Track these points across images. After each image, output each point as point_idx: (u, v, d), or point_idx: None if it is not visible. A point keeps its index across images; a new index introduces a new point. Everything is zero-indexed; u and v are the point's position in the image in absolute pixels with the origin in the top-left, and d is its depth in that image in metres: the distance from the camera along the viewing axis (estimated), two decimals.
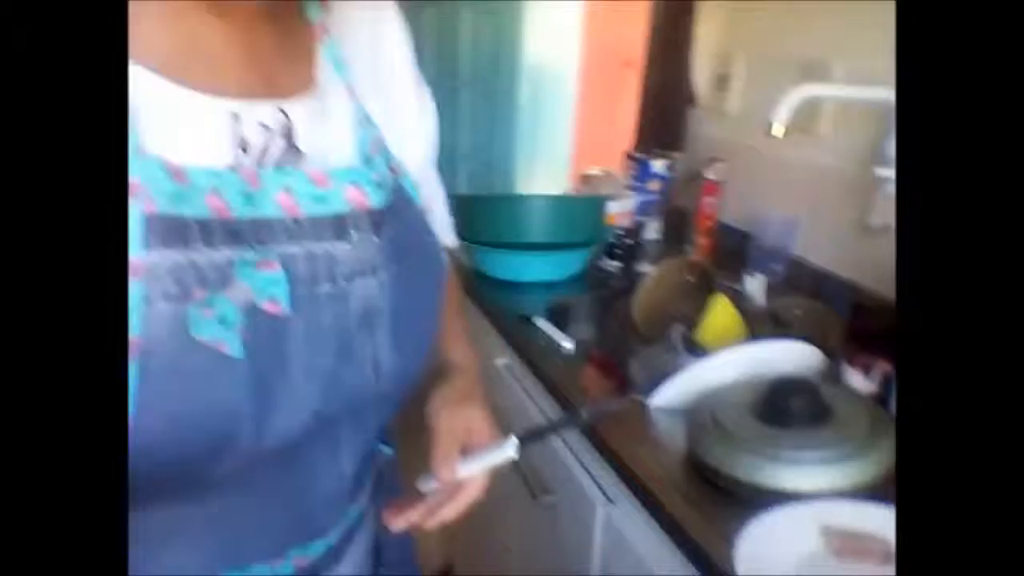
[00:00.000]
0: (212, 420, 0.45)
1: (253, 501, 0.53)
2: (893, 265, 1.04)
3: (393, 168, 0.57)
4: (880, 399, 0.88)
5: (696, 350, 0.98)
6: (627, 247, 1.41)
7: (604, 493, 0.92)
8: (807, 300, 1.13)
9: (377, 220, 0.53)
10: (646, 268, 1.34)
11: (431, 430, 0.64)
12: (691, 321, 1.07)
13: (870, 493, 0.72)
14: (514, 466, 1.06)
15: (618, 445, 0.87)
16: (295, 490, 0.56)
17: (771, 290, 1.24)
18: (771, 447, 0.73)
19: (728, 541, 0.67)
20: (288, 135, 0.50)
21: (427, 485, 0.63)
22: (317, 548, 0.60)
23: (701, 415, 0.82)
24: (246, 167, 0.48)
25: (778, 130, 1.03)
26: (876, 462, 0.73)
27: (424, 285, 0.58)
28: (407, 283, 0.55)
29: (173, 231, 0.44)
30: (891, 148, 1.10)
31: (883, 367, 0.90)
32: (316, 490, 0.57)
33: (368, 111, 0.56)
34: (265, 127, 0.49)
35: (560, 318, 1.16)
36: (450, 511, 0.62)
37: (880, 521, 0.69)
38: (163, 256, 0.44)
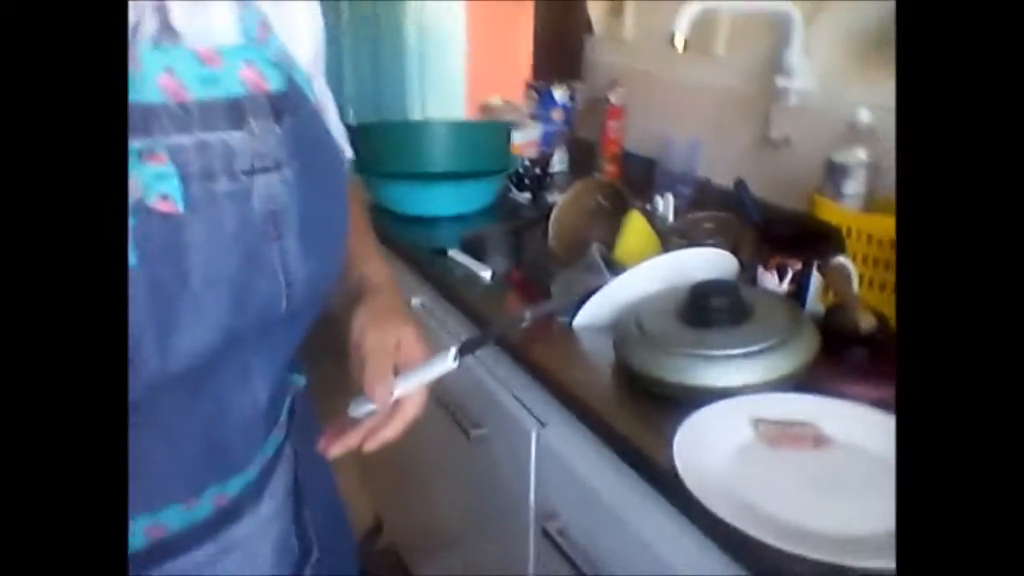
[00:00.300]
0: (177, 349, 0.42)
1: (162, 435, 0.49)
2: (795, 176, 1.05)
3: (285, 55, 0.50)
4: (794, 296, 0.91)
5: (615, 268, 0.98)
6: (535, 177, 1.39)
7: (535, 416, 0.91)
8: (717, 213, 1.15)
9: (277, 106, 0.47)
10: (556, 198, 1.32)
11: (358, 351, 0.60)
12: (607, 241, 1.07)
13: (793, 383, 0.74)
14: (442, 406, 1.04)
15: (547, 366, 0.86)
16: (207, 420, 0.51)
17: (681, 211, 1.25)
18: (696, 347, 0.74)
19: (665, 441, 0.67)
20: (162, 12, 0.44)
21: (361, 409, 0.59)
22: (236, 484, 0.56)
23: (626, 325, 0.82)
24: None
25: (679, 40, 1.02)
26: (796, 354, 0.75)
27: (329, 186, 0.53)
28: (311, 182, 0.50)
29: None
30: (788, 58, 1.12)
31: (795, 267, 0.92)
32: (229, 420, 0.53)
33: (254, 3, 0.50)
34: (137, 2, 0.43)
35: (475, 249, 1.13)
36: (390, 431, 0.59)
37: (806, 408, 0.71)
38: None
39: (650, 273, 0.91)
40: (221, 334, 0.47)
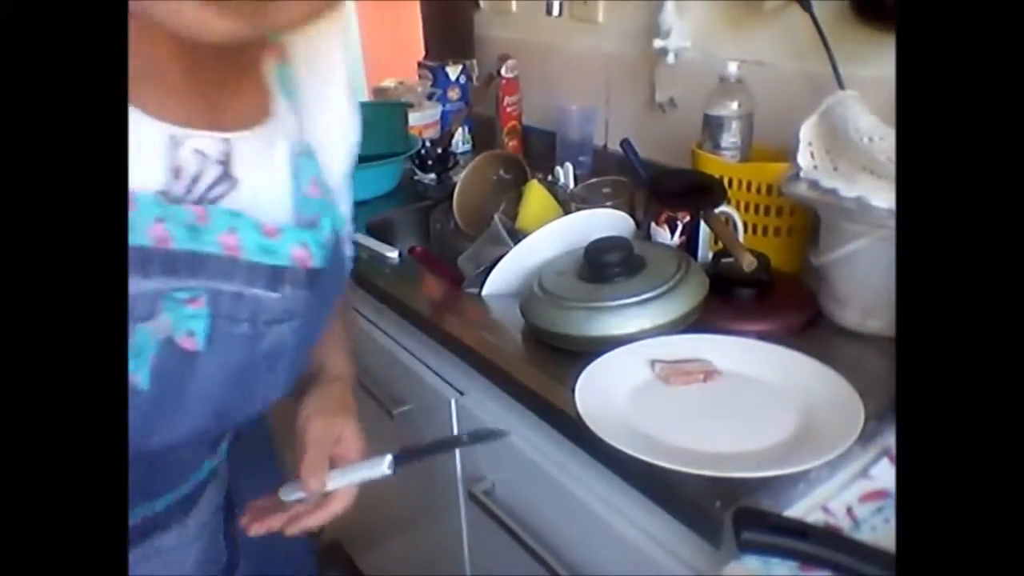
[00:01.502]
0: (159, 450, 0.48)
1: None
2: (683, 135, 1.10)
3: (335, 236, 0.56)
4: (686, 247, 0.96)
5: (518, 236, 1.02)
6: (438, 157, 1.40)
7: (453, 386, 0.94)
8: (615, 178, 1.20)
9: (312, 278, 0.53)
10: (460, 176, 1.34)
11: (300, 436, 0.61)
12: (510, 212, 1.10)
13: (686, 325, 0.79)
14: (363, 388, 1.06)
15: (460, 336, 0.89)
16: (146, 462, 0.54)
17: (581, 179, 1.29)
18: (594, 300, 0.79)
19: (570, 390, 0.71)
20: (225, 163, 0.49)
21: (291, 494, 0.61)
22: (164, 502, 0.59)
23: (530, 288, 0.86)
24: (185, 198, 0.47)
25: (555, 8, 1.06)
26: (686, 298, 0.80)
27: (324, 321, 0.59)
28: (315, 324, 0.56)
29: None
30: (663, 19, 1.17)
31: (683, 220, 0.98)
32: (169, 451, 0.55)
33: (310, 142, 0.56)
34: (201, 154, 0.48)
35: (381, 232, 1.14)
36: (314, 521, 0.60)
37: (698, 346, 0.77)
38: None
39: (550, 238, 0.94)
40: (193, 436, 0.52)
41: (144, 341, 0.45)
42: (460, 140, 1.58)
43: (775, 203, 0.94)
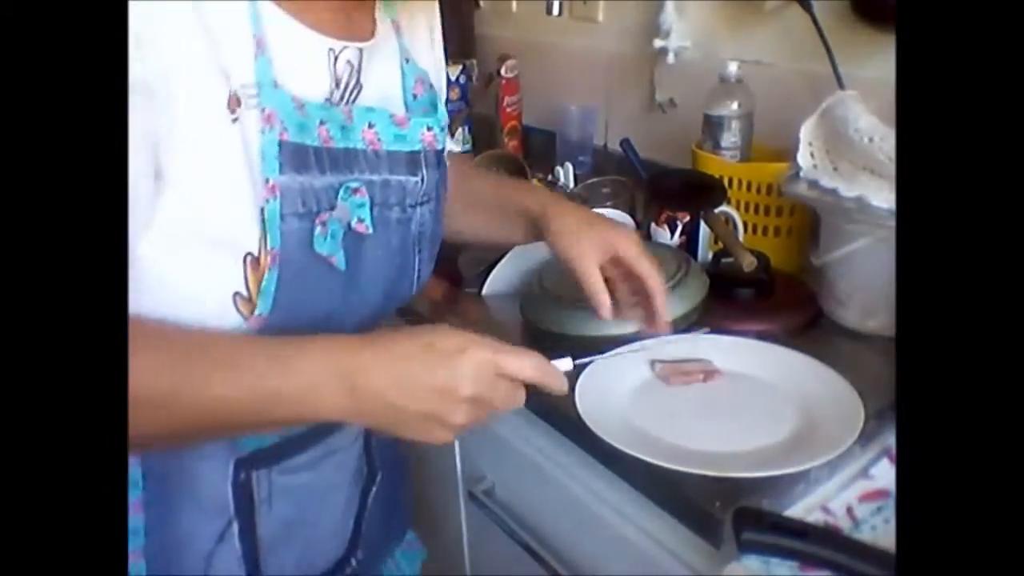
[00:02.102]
0: (319, 322, 0.53)
1: None
2: (683, 135, 1.10)
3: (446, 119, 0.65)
4: (686, 247, 0.96)
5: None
6: None
7: None
8: (614, 177, 1.20)
9: (439, 159, 0.62)
10: None
11: (635, 265, 0.69)
12: None
13: (686, 325, 0.79)
14: None
15: None
16: None
17: (581, 179, 1.29)
18: None
19: (570, 389, 0.71)
20: (360, 70, 0.57)
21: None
22: None
23: (530, 288, 0.86)
24: (339, 103, 0.55)
25: (555, 8, 1.06)
26: (686, 298, 0.80)
27: (442, 209, 0.66)
28: (439, 208, 0.64)
29: (298, 157, 0.51)
30: (665, 20, 1.17)
31: (683, 220, 0.98)
32: None
33: (412, 53, 0.64)
34: (349, 64, 0.56)
35: None
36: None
37: (697, 346, 0.77)
38: (292, 179, 0.51)
39: None
40: (373, 316, 0.60)
41: (334, 227, 0.53)
42: (460, 140, 1.58)
43: (775, 203, 0.94)
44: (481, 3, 1.63)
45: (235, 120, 0.48)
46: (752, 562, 0.54)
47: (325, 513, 0.66)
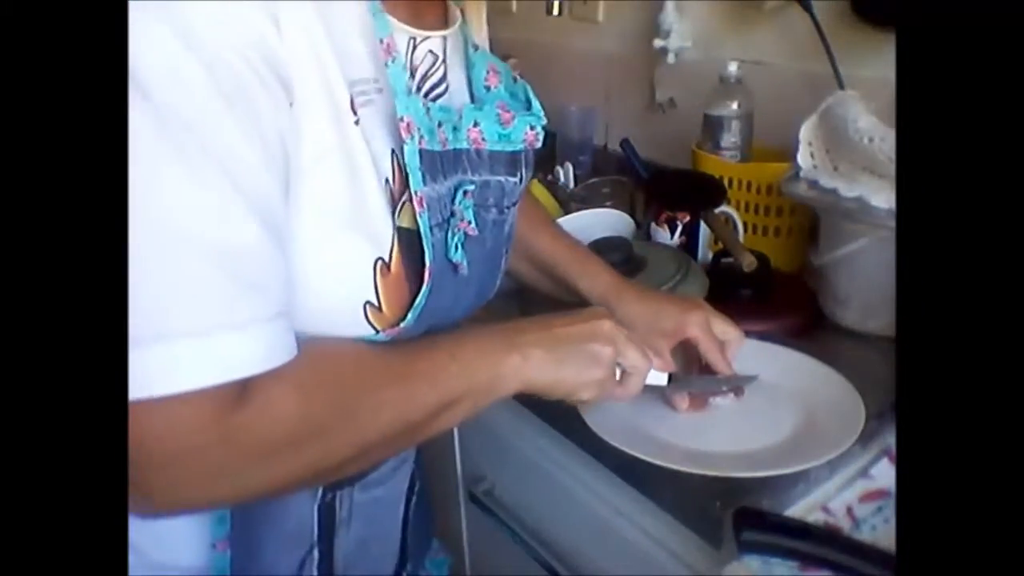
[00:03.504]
0: (448, 324, 0.55)
1: None
2: (681, 137, 1.09)
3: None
4: (686, 247, 0.96)
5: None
6: None
7: None
8: (615, 177, 1.20)
9: (535, 159, 0.61)
10: None
11: (702, 338, 0.68)
12: None
13: None
14: None
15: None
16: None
17: (581, 179, 1.29)
18: None
19: None
20: (444, 61, 0.55)
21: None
22: None
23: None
24: (419, 96, 0.52)
25: (555, 8, 1.06)
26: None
27: None
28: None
29: (431, 165, 0.50)
30: (665, 20, 1.17)
31: (683, 219, 0.98)
32: None
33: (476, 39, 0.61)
34: (433, 54, 0.53)
35: None
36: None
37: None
38: (432, 188, 0.50)
39: None
40: (469, 312, 0.59)
41: (459, 234, 0.53)
42: None
43: (775, 203, 0.94)
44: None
45: (357, 123, 0.46)
46: (752, 562, 0.54)
47: (392, 528, 0.65)
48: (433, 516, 0.80)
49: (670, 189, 1.00)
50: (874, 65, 0.94)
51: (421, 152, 0.48)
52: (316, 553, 0.58)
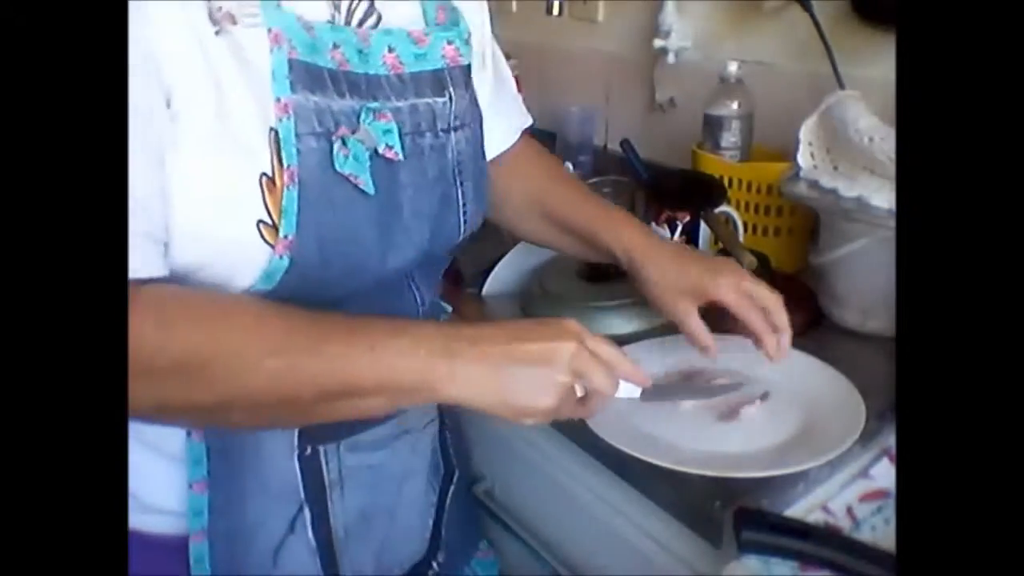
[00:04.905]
0: (349, 247, 0.52)
1: None
2: (681, 137, 1.09)
3: (469, 35, 0.60)
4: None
5: (518, 237, 1.02)
6: None
7: None
8: (615, 178, 1.20)
9: (467, 77, 0.59)
10: None
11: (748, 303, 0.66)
12: None
13: None
14: None
15: None
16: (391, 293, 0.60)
17: (581, 179, 1.29)
18: (595, 300, 0.79)
19: None
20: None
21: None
22: None
23: (530, 288, 0.86)
24: (355, 28, 0.54)
25: (555, 8, 1.06)
26: None
27: (481, 140, 0.63)
28: (477, 138, 0.62)
29: (311, 76, 0.50)
30: (665, 20, 1.17)
31: (683, 219, 0.98)
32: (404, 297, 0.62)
33: None
34: None
35: None
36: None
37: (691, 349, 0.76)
38: (306, 98, 0.49)
39: None
40: (421, 255, 0.58)
41: (357, 149, 0.51)
42: None
43: (775, 203, 0.94)
44: None
45: (218, 33, 0.46)
46: (752, 562, 0.54)
47: (403, 505, 0.64)
48: (479, 515, 0.80)
49: (670, 189, 0.99)
50: (874, 65, 0.94)
51: (292, 62, 0.49)
52: (308, 514, 0.58)
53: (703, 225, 0.95)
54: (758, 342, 0.67)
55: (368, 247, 0.53)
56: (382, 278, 0.56)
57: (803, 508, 0.61)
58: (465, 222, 0.61)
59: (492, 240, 1.03)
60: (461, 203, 0.60)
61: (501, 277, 0.94)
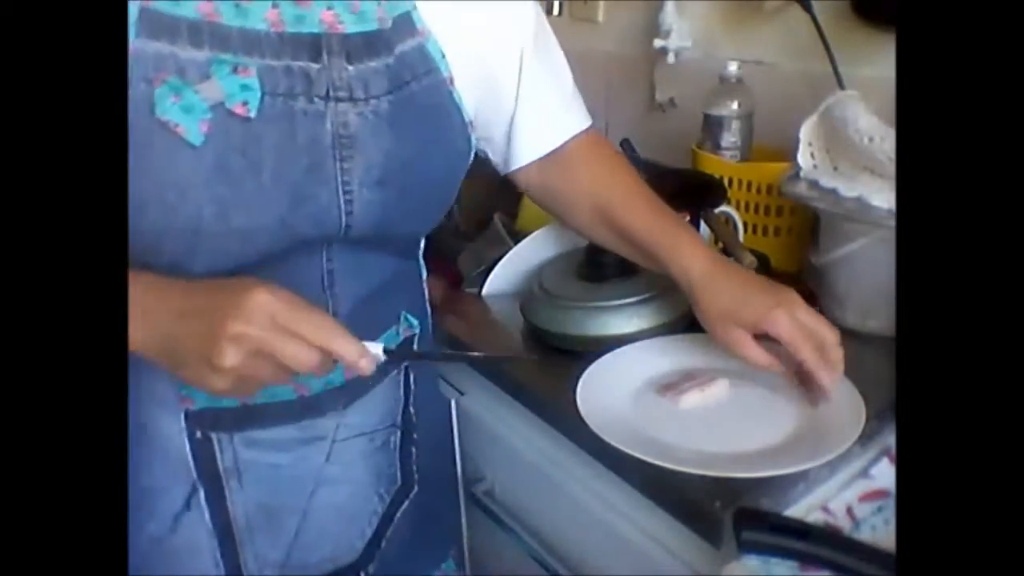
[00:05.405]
0: (169, 194, 0.50)
1: None
2: (681, 137, 1.09)
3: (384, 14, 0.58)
4: None
5: (518, 236, 1.02)
6: None
7: (453, 386, 0.94)
8: None
9: (350, 48, 0.56)
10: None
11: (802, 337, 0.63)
12: (510, 212, 1.10)
13: (684, 325, 0.79)
14: None
15: (460, 335, 0.89)
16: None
17: None
18: (595, 300, 0.79)
19: (572, 391, 0.71)
20: None
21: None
22: (315, 381, 0.60)
23: (530, 288, 0.86)
24: None
25: (555, 8, 1.06)
26: (684, 298, 0.80)
27: (428, 140, 0.59)
28: (403, 128, 0.57)
29: (161, 25, 0.50)
30: (665, 20, 1.17)
31: (683, 218, 0.98)
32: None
33: None
34: None
35: None
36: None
37: (697, 346, 0.76)
38: (147, 44, 0.49)
39: (550, 238, 0.94)
40: (278, 224, 0.54)
41: (192, 100, 0.50)
42: None
43: (775, 203, 0.94)
44: None
45: None
46: (752, 562, 0.54)
47: (320, 509, 0.64)
48: (445, 535, 0.79)
49: (670, 189, 0.99)
50: (874, 65, 0.94)
51: (143, 9, 0.49)
52: (201, 495, 0.59)
53: (703, 225, 0.95)
54: (805, 379, 0.66)
55: (197, 200, 0.50)
56: (246, 252, 0.53)
57: (803, 508, 0.61)
58: (350, 212, 0.56)
59: (492, 240, 1.03)
60: (341, 182, 0.55)
61: (500, 277, 0.94)
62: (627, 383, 0.73)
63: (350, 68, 0.55)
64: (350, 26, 0.56)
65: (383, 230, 0.59)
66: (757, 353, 0.66)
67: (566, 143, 0.73)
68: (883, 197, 0.72)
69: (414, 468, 0.70)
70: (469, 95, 0.63)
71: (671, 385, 0.71)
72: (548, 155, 0.73)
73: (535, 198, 0.79)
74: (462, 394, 0.92)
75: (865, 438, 0.63)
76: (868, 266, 0.77)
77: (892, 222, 0.71)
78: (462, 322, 0.92)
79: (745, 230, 0.96)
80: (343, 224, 0.56)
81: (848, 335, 0.82)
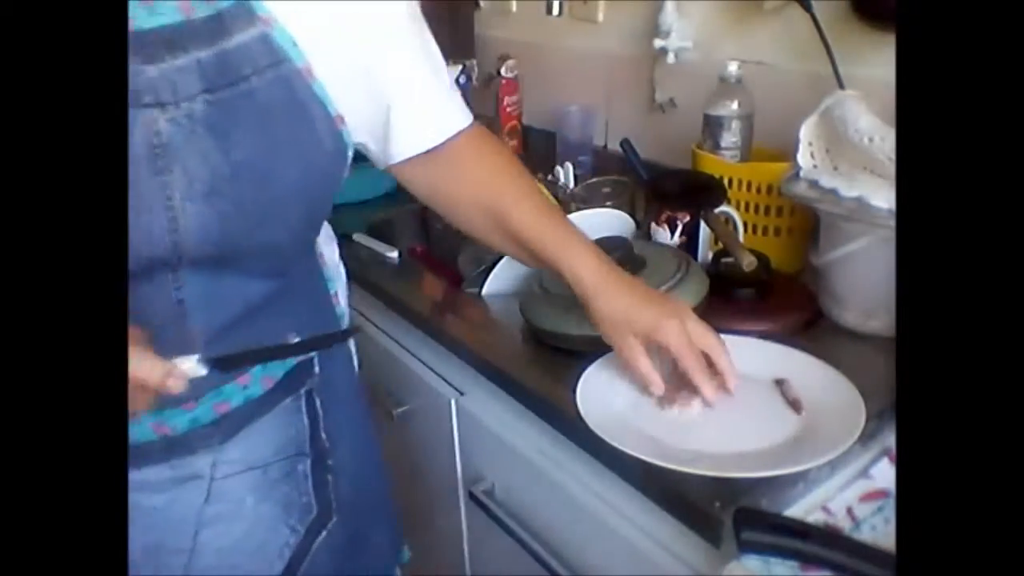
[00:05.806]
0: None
1: None
2: (681, 137, 1.08)
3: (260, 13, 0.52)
4: (687, 247, 0.96)
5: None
6: None
7: (453, 386, 0.94)
8: (615, 178, 1.20)
9: (145, 46, 0.49)
10: None
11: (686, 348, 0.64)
12: None
13: None
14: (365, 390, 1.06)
15: (460, 336, 0.89)
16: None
17: (581, 179, 1.29)
18: None
19: (571, 389, 0.71)
20: None
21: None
22: (178, 419, 0.57)
23: (530, 288, 0.86)
24: None
25: (555, 8, 1.06)
26: (686, 297, 0.79)
27: (264, 139, 0.53)
28: (232, 130, 0.51)
29: None
30: (665, 20, 1.17)
31: (683, 220, 0.98)
32: (158, 344, 0.50)
33: None
34: None
35: (382, 232, 1.14)
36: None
37: None
38: None
39: None
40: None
41: None
42: None
43: (775, 203, 0.94)
44: (481, 3, 1.63)
45: None
46: (752, 562, 0.54)
47: (209, 547, 0.61)
48: (377, 559, 0.76)
49: (670, 189, 0.99)
50: (874, 65, 0.94)
51: None
52: None
53: (703, 225, 0.95)
54: (696, 387, 0.67)
55: None
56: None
57: (803, 508, 0.61)
58: (175, 230, 0.51)
59: None
60: (164, 197, 0.50)
61: (500, 277, 0.94)
62: (626, 382, 0.73)
63: (149, 69, 0.49)
64: (140, 21, 0.50)
65: (226, 248, 0.53)
66: (646, 365, 0.66)
67: (450, 140, 0.68)
68: (883, 197, 0.72)
69: (330, 496, 0.67)
70: (337, 87, 0.57)
71: (670, 391, 0.70)
72: (432, 153, 0.67)
73: (424, 199, 0.73)
74: (462, 394, 0.92)
75: (865, 438, 0.63)
76: (868, 266, 0.77)
77: (892, 222, 0.71)
78: (462, 323, 0.92)
79: (745, 230, 0.96)
80: (170, 243, 0.51)
81: (848, 335, 0.82)
